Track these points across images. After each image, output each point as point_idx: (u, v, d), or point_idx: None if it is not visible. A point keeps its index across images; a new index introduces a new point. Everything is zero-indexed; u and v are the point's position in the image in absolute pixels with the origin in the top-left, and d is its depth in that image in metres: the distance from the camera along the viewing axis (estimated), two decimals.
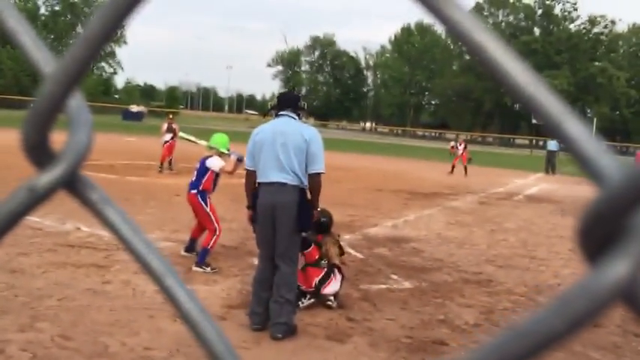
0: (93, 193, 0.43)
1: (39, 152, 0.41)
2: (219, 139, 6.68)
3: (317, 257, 5.44)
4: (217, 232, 6.42)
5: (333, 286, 5.36)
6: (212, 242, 6.35)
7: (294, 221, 4.64)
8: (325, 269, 5.39)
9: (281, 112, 4.89)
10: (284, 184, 4.63)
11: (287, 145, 4.64)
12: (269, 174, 4.69)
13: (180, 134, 7.43)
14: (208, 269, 6.18)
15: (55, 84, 0.39)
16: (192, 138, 7.07)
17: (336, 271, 5.46)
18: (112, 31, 0.37)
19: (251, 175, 4.90)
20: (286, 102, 4.96)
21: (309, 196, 4.81)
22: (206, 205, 6.51)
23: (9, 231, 0.42)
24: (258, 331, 4.64)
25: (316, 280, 5.33)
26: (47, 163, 0.42)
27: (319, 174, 4.74)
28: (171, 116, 17.23)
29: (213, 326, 0.41)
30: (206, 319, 0.41)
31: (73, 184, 0.43)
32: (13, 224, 0.42)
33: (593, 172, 0.29)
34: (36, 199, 0.42)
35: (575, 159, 0.30)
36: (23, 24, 0.43)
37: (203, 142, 6.75)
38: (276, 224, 4.68)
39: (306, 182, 4.73)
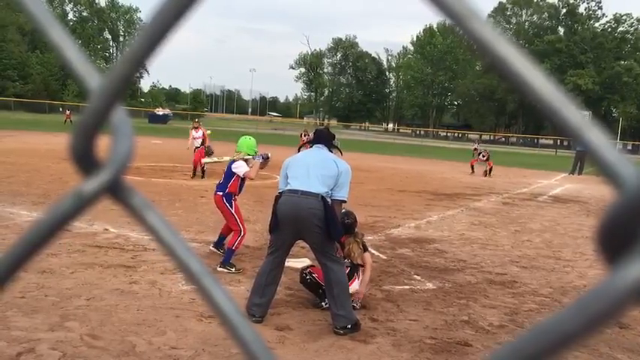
0: (134, 198, 0.46)
1: (85, 161, 0.44)
2: (246, 143, 6.82)
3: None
4: (242, 233, 6.51)
5: (356, 286, 5.37)
6: (237, 243, 6.44)
7: (321, 226, 4.74)
8: (349, 269, 5.40)
9: (316, 145, 5.19)
10: (308, 192, 4.79)
11: (318, 168, 4.89)
12: (295, 184, 4.87)
13: (204, 161, 7.70)
14: (233, 270, 6.25)
15: (99, 100, 0.42)
16: (216, 159, 7.30)
17: (360, 271, 5.47)
18: (152, 50, 0.39)
19: None
20: (321, 137, 5.26)
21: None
22: (231, 207, 6.63)
23: (59, 234, 0.45)
24: (258, 323, 4.71)
25: None
26: (92, 171, 0.44)
27: (341, 202, 5.00)
28: (197, 120, 17.28)
29: (249, 326, 0.43)
30: (242, 319, 0.43)
31: (116, 191, 0.45)
32: (62, 227, 0.45)
33: (613, 178, 0.31)
34: (82, 204, 0.45)
35: (596, 166, 0.31)
36: (68, 39, 0.46)
37: (226, 158, 6.95)
38: (302, 230, 4.83)
39: (328, 196, 4.88)
